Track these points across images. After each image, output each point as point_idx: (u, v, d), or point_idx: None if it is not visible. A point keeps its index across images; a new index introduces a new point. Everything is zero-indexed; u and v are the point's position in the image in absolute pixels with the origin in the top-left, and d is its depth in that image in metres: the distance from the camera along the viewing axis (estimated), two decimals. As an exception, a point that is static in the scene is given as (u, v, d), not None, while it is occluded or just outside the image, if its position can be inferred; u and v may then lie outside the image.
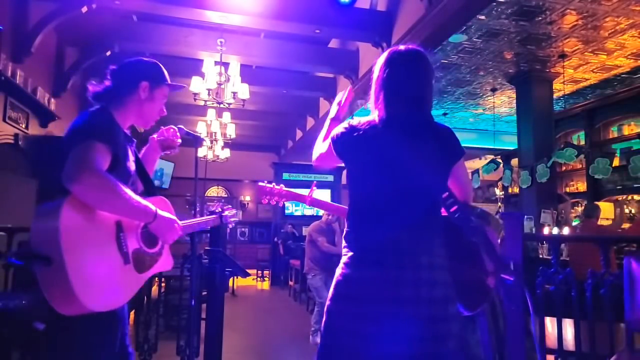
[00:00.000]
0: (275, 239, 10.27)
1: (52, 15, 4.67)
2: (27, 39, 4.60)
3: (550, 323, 2.84)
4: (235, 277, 7.39)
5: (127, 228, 1.48)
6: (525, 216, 6.38)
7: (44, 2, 4.67)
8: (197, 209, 2.03)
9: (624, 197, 7.05)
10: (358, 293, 1.32)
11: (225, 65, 5.31)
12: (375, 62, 1.51)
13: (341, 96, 1.74)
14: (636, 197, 6.97)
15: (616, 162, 6.15)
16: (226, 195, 12.80)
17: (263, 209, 12.39)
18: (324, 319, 1.40)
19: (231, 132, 7.03)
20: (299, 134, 10.28)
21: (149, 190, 1.70)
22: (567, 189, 7.75)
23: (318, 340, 2.88)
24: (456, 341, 1.31)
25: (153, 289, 3.64)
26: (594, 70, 6.66)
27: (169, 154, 1.94)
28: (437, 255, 1.33)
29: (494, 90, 7.62)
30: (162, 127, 1.91)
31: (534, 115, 6.69)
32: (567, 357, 2.67)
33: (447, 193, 1.32)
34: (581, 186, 7.38)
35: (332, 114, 1.71)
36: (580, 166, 7.21)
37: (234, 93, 5.18)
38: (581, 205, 7.55)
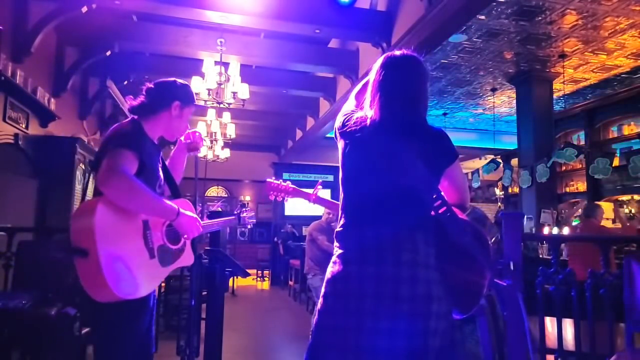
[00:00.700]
0: (275, 239, 10.28)
1: (52, 15, 4.66)
2: (27, 39, 4.60)
3: (550, 323, 2.85)
4: (235, 277, 7.40)
5: (153, 226, 1.68)
6: (525, 216, 6.39)
7: (44, 2, 4.66)
8: (199, 209, 2.08)
9: (621, 196, 7.04)
10: (343, 290, 1.36)
11: (225, 65, 5.30)
12: (375, 62, 1.54)
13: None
14: (636, 197, 6.97)
15: (616, 162, 6.15)
16: (226, 195, 12.80)
17: (263, 209, 12.39)
18: (315, 317, 1.44)
19: (231, 132, 7.02)
20: (299, 134, 10.27)
21: (175, 193, 1.93)
22: (567, 189, 7.75)
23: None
24: (441, 339, 1.32)
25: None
26: (594, 70, 6.66)
27: (192, 155, 2.12)
28: (421, 253, 1.34)
29: (494, 90, 7.62)
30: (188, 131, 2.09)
31: (534, 115, 6.69)
32: (567, 357, 2.67)
33: (436, 194, 1.33)
34: (581, 186, 7.38)
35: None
36: (580, 166, 7.21)
37: (234, 93, 5.17)
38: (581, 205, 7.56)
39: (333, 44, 6.95)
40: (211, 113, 6.55)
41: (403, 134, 1.41)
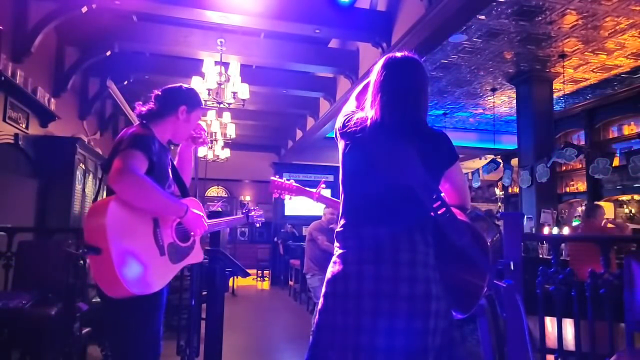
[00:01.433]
0: (275, 239, 10.28)
1: (52, 15, 4.66)
2: (27, 39, 4.60)
3: (550, 323, 2.85)
4: (235, 277, 7.39)
5: (163, 224, 1.75)
6: (525, 216, 6.39)
7: (44, 2, 4.66)
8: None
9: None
10: (343, 289, 1.36)
11: (225, 65, 5.30)
12: (375, 62, 1.56)
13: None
14: (636, 197, 6.97)
15: (616, 162, 6.15)
16: (226, 195, 12.80)
17: (263, 208, 12.18)
18: (316, 317, 1.45)
19: (231, 132, 7.03)
20: (299, 134, 10.27)
21: (184, 192, 1.99)
22: (567, 189, 7.75)
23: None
24: (441, 338, 1.33)
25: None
26: (594, 70, 6.66)
27: (199, 146, 2.19)
28: (421, 253, 1.35)
29: (494, 90, 7.62)
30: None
31: (534, 115, 6.69)
32: (567, 357, 2.67)
33: (435, 195, 1.33)
34: (581, 186, 7.39)
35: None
36: (580, 166, 7.22)
37: (234, 93, 5.17)
38: (581, 205, 7.56)
39: (333, 44, 6.95)
40: (211, 113, 6.55)
41: (403, 134, 1.41)
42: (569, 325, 2.80)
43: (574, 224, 7.02)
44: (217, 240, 2.81)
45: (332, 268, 1.42)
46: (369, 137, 1.43)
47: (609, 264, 2.72)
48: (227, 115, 6.68)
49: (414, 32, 4.62)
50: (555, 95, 7.02)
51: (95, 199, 1.88)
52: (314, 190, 2.21)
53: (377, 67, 1.52)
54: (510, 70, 6.78)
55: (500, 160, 7.73)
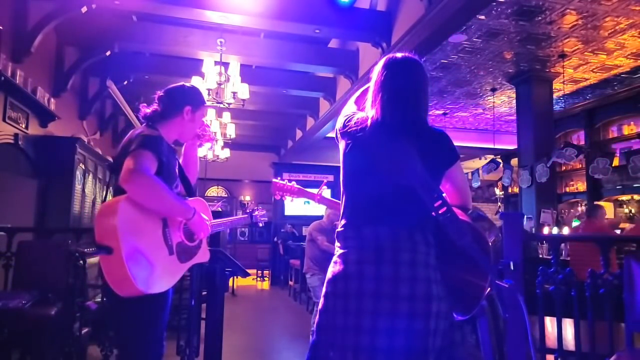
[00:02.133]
0: (275, 239, 10.27)
1: (52, 15, 4.66)
2: (27, 39, 4.60)
3: (550, 323, 2.85)
4: (235, 277, 7.40)
5: (172, 224, 1.77)
6: (525, 216, 6.39)
7: (44, 2, 4.66)
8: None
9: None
10: (343, 289, 1.36)
11: (225, 65, 5.30)
12: (375, 62, 1.56)
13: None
14: (636, 197, 6.97)
15: (616, 162, 6.15)
16: (226, 195, 12.80)
17: (263, 209, 12.37)
18: (316, 317, 1.45)
19: (231, 132, 7.02)
20: (299, 134, 10.27)
21: (189, 192, 2.02)
22: (567, 189, 7.75)
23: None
24: (442, 339, 1.32)
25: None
26: (594, 70, 6.66)
27: (204, 142, 2.19)
28: (421, 253, 1.34)
29: (494, 90, 7.62)
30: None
31: (534, 115, 6.69)
32: (567, 357, 2.67)
33: (436, 194, 1.33)
34: (581, 186, 7.38)
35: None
36: (580, 166, 7.21)
37: (234, 93, 5.17)
38: (581, 205, 7.56)
39: (333, 44, 6.95)
40: (211, 113, 6.55)
41: (404, 133, 1.41)
42: (569, 325, 2.80)
43: (574, 224, 7.02)
44: (217, 240, 2.81)
45: (333, 268, 1.42)
46: (370, 137, 1.43)
47: (609, 264, 2.72)
48: (227, 115, 6.68)
49: (414, 32, 4.62)
50: (555, 95, 7.02)
51: (103, 200, 1.89)
52: (315, 191, 2.20)
53: (378, 67, 1.52)
54: (510, 70, 6.78)
55: (500, 160, 7.73)
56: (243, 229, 12.76)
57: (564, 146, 6.12)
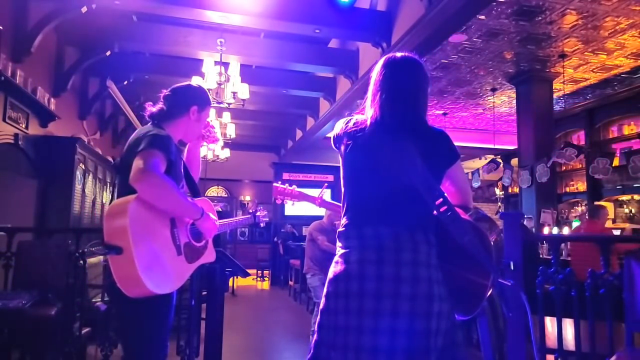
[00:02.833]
0: (275, 239, 10.27)
1: (52, 15, 4.66)
2: (27, 39, 4.60)
3: (550, 323, 2.84)
4: (235, 277, 7.40)
5: (179, 225, 1.76)
6: (525, 216, 6.38)
7: (44, 2, 4.66)
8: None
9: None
10: (344, 289, 1.36)
11: (225, 65, 5.30)
12: (375, 62, 1.56)
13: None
14: (636, 197, 6.97)
15: (616, 162, 6.15)
16: (226, 195, 12.80)
17: (263, 208, 12.37)
18: (317, 317, 1.44)
19: (231, 132, 7.03)
20: (299, 134, 10.27)
21: (194, 192, 2.02)
22: (567, 189, 7.75)
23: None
24: (443, 339, 1.32)
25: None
26: (594, 70, 6.66)
27: (209, 143, 2.21)
28: (423, 253, 1.34)
29: (494, 90, 7.62)
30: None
31: (534, 115, 6.69)
32: (567, 357, 2.66)
33: (437, 193, 1.32)
34: (581, 186, 7.38)
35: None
36: (580, 166, 7.20)
37: (234, 93, 5.17)
38: (581, 205, 7.56)
39: (333, 44, 6.95)
40: (211, 113, 6.54)
41: (404, 132, 1.41)
42: (569, 325, 2.80)
43: (574, 224, 7.02)
44: (218, 240, 2.81)
45: (334, 268, 1.42)
46: (370, 136, 1.43)
47: (609, 264, 2.72)
48: (227, 115, 6.68)
49: (414, 32, 4.62)
50: (555, 95, 7.01)
51: (111, 200, 1.87)
52: (317, 193, 2.20)
53: (377, 66, 1.52)
54: (510, 70, 6.78)
55: (500, 160, 7.73)
56: (243, 229, 12.76)
57: (564, 146, 6.12)
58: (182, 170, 1.94)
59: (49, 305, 2.96)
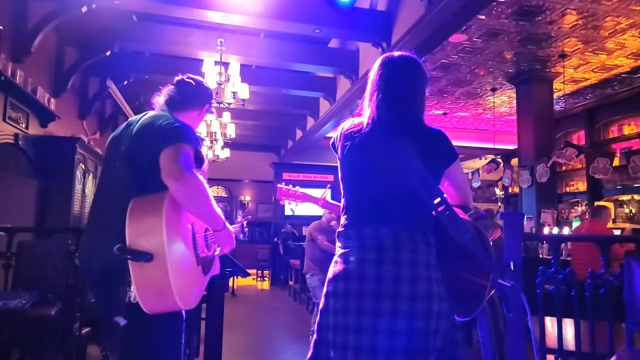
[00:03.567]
0: (275, 239, 10.27)
1: (52, 15, 4.66)
2: (27, 39, 4.59)
3: (550, 323, 2.84)
4: (235, 277, 7.40)
5: (197, 232, 1.58)
6: (525, 216, 6.38)
7: (44, 2, 4.66)
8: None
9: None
10: (344, 289, 1.36)
11: (225, 65, 5.30)
12: (375, 62, 1.55)
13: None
14: (636, 197, 6.97)
15: (616, 162, 6.15)
16: (226, 195, 12.80)
17: (263, 209, 12.38)
18: (317, 317, 1.44)
19: (231, 132, 7.03)
20: (299, 134, 10.27)
21: None
22: (567, 189, 7.75)
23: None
24: (443, 339, 1.32)
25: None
26: (594, 70, 6.66)
27: None
28: (422, 253, 1.34)
29: (494, 90, 7.62)
30: None
31: (534, 115, 6.68)
32: (567, 357, 2.66)
33: (435, 192, 1.32)
34: (581, 186, 7.38)
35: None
36: (580, 166, 7.20)
37: (234, 93, 5.17)
38: (581, 205, 7.56)
39: (333, 44, 6.95)
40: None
41: (401, 132, 1.41)
42: (569, 325, 2.80)
43: (575, 224, 7.02)
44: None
45: (334, 267, 1.42)
46: (368, 135, 1.43)
47: (609, 264, 2.72)
48: (227, 115, 6.68)
49: (414, 32, 4.61)
50: (555, 95, 7.01)
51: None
52: (318, 194, 2.22)
53: (375, 66, 1.52)
54: (510, 70, 6.78)
55: (500, 160, 7.73)
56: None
57: (564, 146, 6.12)
58: None
59: (49, 305, 2.96)
